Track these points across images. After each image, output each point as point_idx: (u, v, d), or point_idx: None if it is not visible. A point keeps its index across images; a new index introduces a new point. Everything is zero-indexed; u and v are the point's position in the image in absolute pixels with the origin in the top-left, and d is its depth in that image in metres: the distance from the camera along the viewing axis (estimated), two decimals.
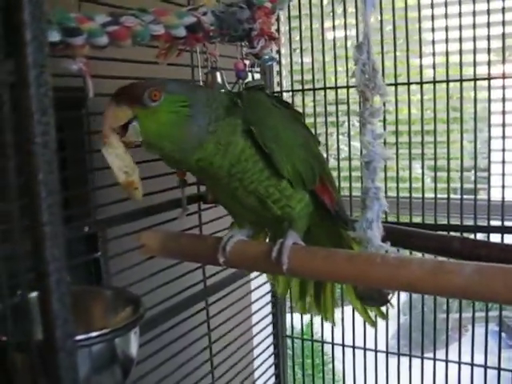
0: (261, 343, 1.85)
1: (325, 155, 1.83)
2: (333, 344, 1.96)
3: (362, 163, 1.03)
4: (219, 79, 1.41)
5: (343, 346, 1.94)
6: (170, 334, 1.47)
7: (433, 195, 1.76)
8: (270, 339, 1.96)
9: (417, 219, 1.77)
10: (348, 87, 1.81)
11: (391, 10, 1.73)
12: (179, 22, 0.80)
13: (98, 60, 1.22)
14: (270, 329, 1.95)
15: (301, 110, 1.84)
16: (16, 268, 1.03)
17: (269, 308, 1.92)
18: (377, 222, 1.03)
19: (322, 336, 1.95)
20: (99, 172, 1.21)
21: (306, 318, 2.11)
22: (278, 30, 1.89)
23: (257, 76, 1.82)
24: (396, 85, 1.75)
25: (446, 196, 1.74)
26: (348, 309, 1.78)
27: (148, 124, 0.92)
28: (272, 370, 1.97)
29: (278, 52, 1.96)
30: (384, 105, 1.69)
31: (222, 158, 1.00)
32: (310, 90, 1.88)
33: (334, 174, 1.82)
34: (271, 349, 1.96)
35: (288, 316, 2.02)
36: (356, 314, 1.77)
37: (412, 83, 1.74)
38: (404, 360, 1.86)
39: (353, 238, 1.09)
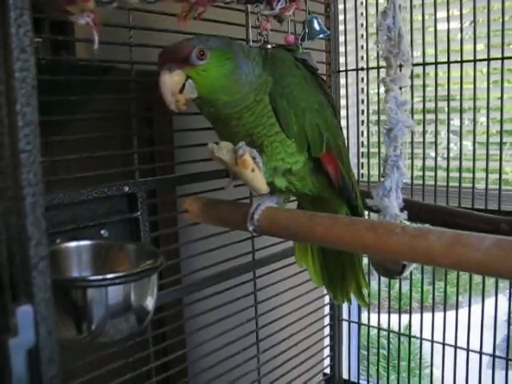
0: (314, 323, 1.84)
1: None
2: (399, 334, 1.91)
3: (384, 130, 1.01)
4: None
5: (421, 339, 1.84)
6: (219, 299, 1.53)
7: None
8: (325, 321, 1.94)
9: None
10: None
11: None
12: None
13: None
14: (326, 310, 1.94)
15: None
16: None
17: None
18: (395, 191, 1.01)
19: (382, 323, 1.90)
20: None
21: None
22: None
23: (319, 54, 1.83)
24: None
25: None
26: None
27: (202, 81, 1.00)
28: (327, 352, 1.96)
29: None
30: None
31: (250, 115, 1.04)
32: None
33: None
34: (326, 331, 1.94)
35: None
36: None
37: None
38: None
39: (369, 206, 1.06)
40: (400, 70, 1.03)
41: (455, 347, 1.73)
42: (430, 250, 0.91)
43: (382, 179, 1.02)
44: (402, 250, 0.95)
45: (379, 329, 1.92)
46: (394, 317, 1.91)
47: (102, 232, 1.22)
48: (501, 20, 1.59)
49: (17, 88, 0.62)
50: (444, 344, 1.75)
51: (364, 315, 2.01)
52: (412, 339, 1.91)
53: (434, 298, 1.82)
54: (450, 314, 1.77)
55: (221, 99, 1.03)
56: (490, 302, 1.70)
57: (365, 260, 1.49)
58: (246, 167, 1.02)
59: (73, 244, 1.12)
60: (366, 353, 1.99)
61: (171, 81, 0.99)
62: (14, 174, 0.64)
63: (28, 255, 0.64)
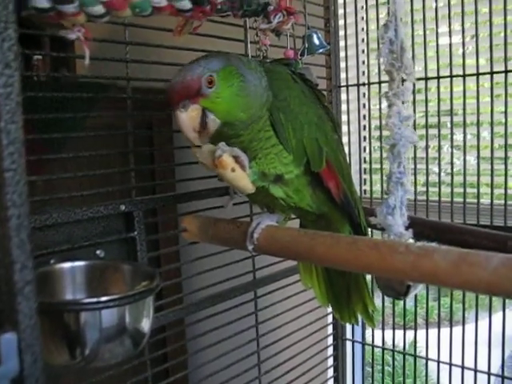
0: (316, 344, 1.80)
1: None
2: (404, 354, 1.86)
3: (387, 146, 0.98)
4: None
5: (427, 359, 1.80)
6: (220, 319, 1.50)
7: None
8: (328, 341, 1.90)
9: None
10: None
11: None
12: None
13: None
14: (329, 330, 1.90)
15: None
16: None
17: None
18: (400, 208, 0.97)
19: (385, 342, 1.86)
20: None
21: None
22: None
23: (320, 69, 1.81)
24: None
25: None
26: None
27: (219, 107, 0.97)
28: (330, 373, 1.91)
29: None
30: None
31: (249, 133, 1.02)
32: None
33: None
34: (330, 351, 1.90)
35: None
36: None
37: None
38: None
39: (373, 224, 1.03)
40: (403, 84, 1.00)
41: (462, 367, 1.68)
42: (435, 270, 0.88)
43: (385, 196, 0.99)
44: (406, 270, 0.91)
45: (384, 349, 1.87)
46: (399, 333, 1.87)
47: (98, 252, 1.18)
48: (502, 34, 1.58)
49: (1, 104, 0.60)
50: (451, 364, 1.70)
51: (368, 332, 1.97)
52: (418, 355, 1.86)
53: (439, 314, 1.78)
54: (457, 329, 1.73)
55: (240, 118, 1.00)
56: (497, 317, 1.67)
57: (368, 277, 1.45)
58: (224, 168, 0.98)
59: (67, 264, 1.09)
60: (370, 370, 1.94)
61: (190, 118, 0.96)
62: None
63: (13, 280, 0.61)
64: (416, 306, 1.82)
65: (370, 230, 1.32)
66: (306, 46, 1.35)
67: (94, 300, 0.92)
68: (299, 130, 1.04)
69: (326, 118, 1.12)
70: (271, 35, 1.26)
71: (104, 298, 0.92)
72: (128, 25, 1.22)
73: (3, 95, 0.60)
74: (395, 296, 1.06)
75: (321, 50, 1.37)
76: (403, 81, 1.00)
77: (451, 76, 1.62)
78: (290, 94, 1.04)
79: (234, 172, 0.98)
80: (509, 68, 1.55)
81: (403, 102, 0.98)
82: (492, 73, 1.57)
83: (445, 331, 1.74)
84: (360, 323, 1.89)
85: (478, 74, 1.59)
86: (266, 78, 1.04)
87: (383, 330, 1.89)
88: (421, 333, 1.81)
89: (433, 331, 1.77)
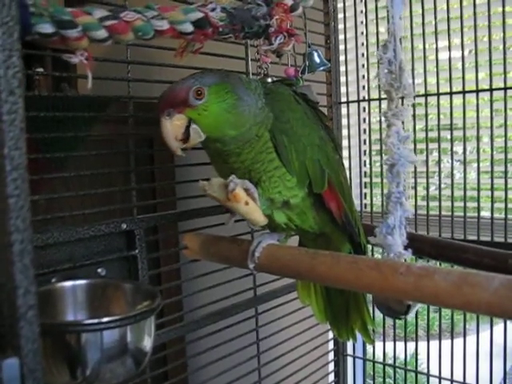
0: (317, 360, 1.79)
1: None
2: (406, 370, 1.86)
3: (386, 166, 0.98)
4: None
5: (428, 375, 1.80)
6: (221, 336, 1.49)
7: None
8: (329, 357, 1.89)
9: None
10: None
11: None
12: (185, 17, 0.82)
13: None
14: (330, 345, 1.89)
15: None
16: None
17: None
18: (399, 228, 0.97)
19: (385, 358, 1.85)
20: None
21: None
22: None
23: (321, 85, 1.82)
24: None
25: None
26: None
27: (204, 120, 0.98)
28: None
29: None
30: None
31: (250, 151, 1.02)
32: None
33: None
34: (331, 367, 1.89)
35: None
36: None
37: None
38: None
39: (373, 244, 1.03)
40: (402, 104, 1.01)
41: None
42: (436, 291, 0.88)
43: (385, 216, 0.99)
44: (406, 290, 0.92)
45: (385, 365, 1.86)
46: (400, 344, 1.86)
47: (99, 270, 1.19)
48: (501, 47, 1.59)
49: (5, 131, 0.60)
50: (452, 381, 1.69)
51: (369, 346, 1.95)
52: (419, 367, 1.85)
53: (440, 326, 1.76)
54: (458, 341, 1.72)
55: (228, 135, 1.00)
56: (498, 328, 1.67)
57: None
58: (238, 201, 0.99)
59: (68, 283, 1.09)
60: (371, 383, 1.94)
61: (172, 126, 0.97)
62: (1, 219, 0.61)
63: (15, 304, 0.61)
64: (417, 318, 1.81)
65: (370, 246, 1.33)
66: (307, 64, 1.35)
67: (96, 321, 0.92)
68: (302, 152, 1.04)
69: (328, 139, 1.13)
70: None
71: (105, 319, 0.92)
72: (130, 44, 1.23)
73: (7, 122, 0.60)
74: (394, 315, 1.06)
75: (321, 68, 1.37)
76: (402, 100, 1.01)
77: (451, 93, 1.63)
78: (293, 116, 1.05)
79: (248, 205, 0.99)
80: (508, 85, 1.57)
81: (402, 123, 0.98)
82: (491, 89, 1.58)
83: (446, 343, 1.73)
84: (361, 339, 1.89)
85: (477, 91, 1.60)
86: (264, 100, 1.04)
87: (384, 344, 1.88)
88: (422, 345, 1.81)
89: (434, 343, 1.76)
